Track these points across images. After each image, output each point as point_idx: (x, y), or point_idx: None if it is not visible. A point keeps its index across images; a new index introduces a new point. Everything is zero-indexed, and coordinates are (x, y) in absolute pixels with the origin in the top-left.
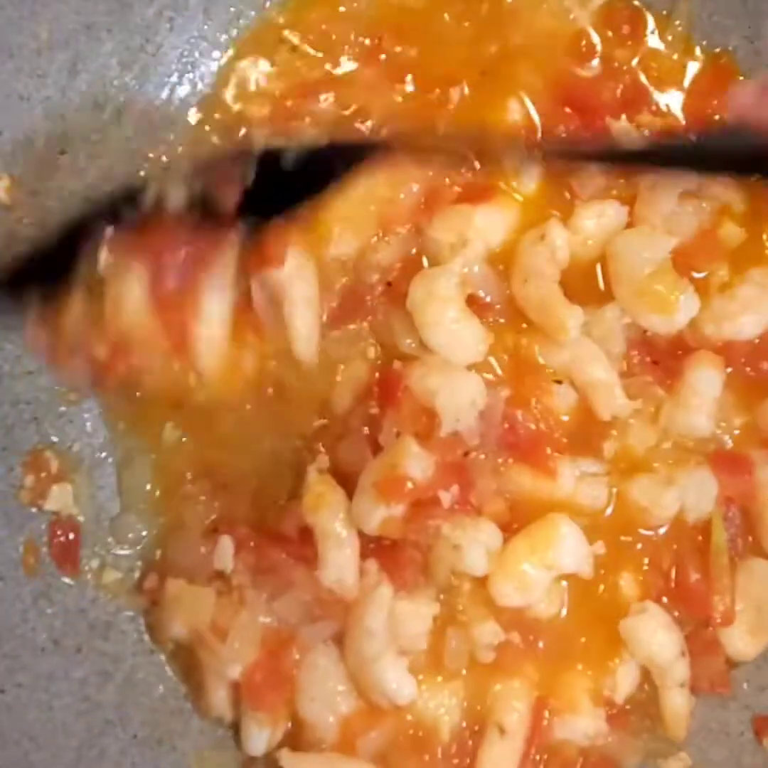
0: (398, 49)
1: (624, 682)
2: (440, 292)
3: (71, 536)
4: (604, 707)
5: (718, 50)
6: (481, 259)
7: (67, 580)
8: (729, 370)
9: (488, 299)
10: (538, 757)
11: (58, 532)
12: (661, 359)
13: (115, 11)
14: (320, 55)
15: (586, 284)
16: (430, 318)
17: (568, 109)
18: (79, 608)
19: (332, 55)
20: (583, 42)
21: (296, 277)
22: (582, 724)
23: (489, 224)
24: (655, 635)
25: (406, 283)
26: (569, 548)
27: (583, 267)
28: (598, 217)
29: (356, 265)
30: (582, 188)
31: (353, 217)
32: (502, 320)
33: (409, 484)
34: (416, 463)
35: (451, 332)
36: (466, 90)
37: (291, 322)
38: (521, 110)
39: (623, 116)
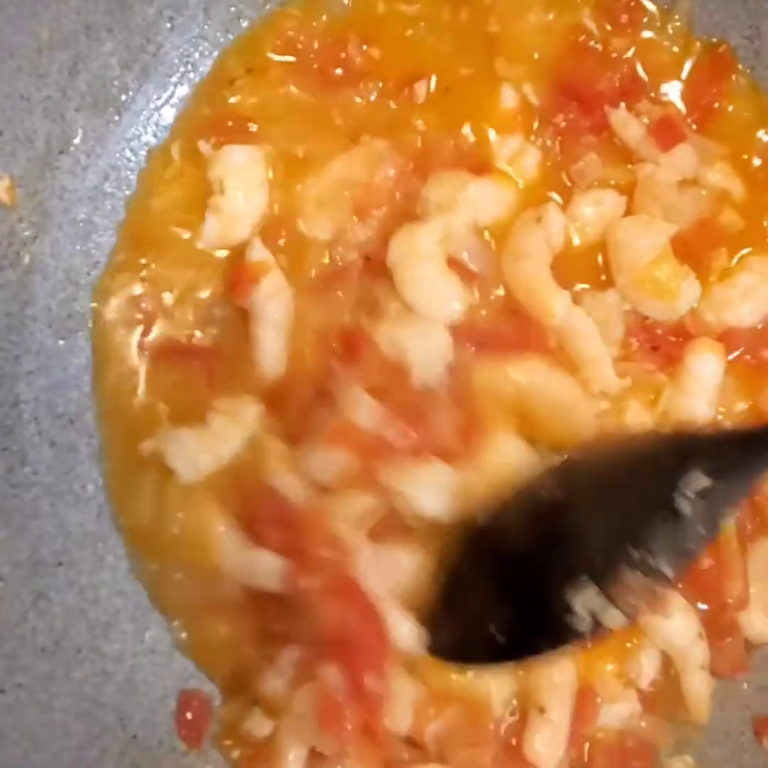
0: (364, 47)
1: (647, 667)
2: (420, 248)
3: (200, 712)
4: (633, 689)
5: (719, 38)
6: (470, 229)
7: (66, 580)
8: (730, 357)
9: (476, 269)
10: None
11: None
12: (661, 345)
13: (115, 11)
14: (291, 59)
15: (587, 271)
16: (408, 273)
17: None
18: (79, 608)
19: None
20: (582, 33)
21: (271, 298)
22: (617, 709)
23: (482, 197)
24: (673, 619)
25: (385, 256)
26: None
27: (583, 254)
28: (595, 205)
29: (332, 249)
30: (580, 176)
31: (328, 201)
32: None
33: (357, 431)
34: (362, 410)
35: (430, 288)
36: (434, 83)
37: (258, 341)
38: (516, 96)
39: (622, 104)
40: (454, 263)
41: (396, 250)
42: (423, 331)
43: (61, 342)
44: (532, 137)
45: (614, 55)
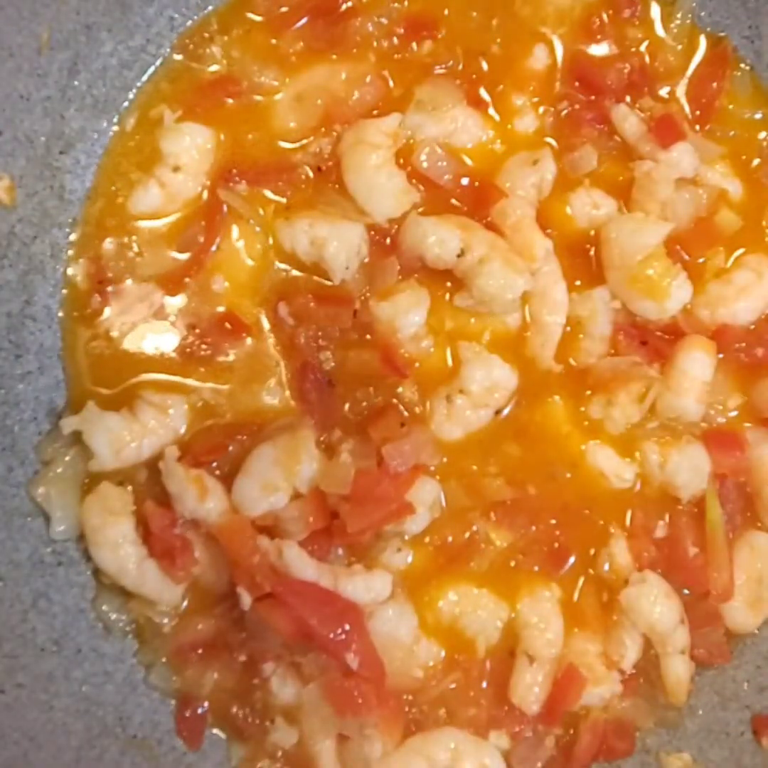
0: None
1: (630, 650)
2: (368, 138)
3: (199, 711)
4: (616, 671)
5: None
6: (442, 144)
7: (67, 580)
8: (721, 356)
9: (434, 178)
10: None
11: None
12: (649, 340)
13: (115, 11)
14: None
15: (583, 266)
16: (353, 160)
17: (576, 84)
18: (79, 608)
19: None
20: (596, 20)
21: None
22: (599, 690)
23: (465, 124)
24: (656, 604)
25: (337, 172)
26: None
27: (576, 249)
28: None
29: (291, 151)
30: (573, 167)
31: (302, 100)
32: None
33: None
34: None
35: (372, 180)
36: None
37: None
38: (547, 60)
39: (627, 98)
40: (425, 182)
41: (346, 141)
42: (341, 227)
43: (60, 342)
44: (541, 109)
45: (627, 43)
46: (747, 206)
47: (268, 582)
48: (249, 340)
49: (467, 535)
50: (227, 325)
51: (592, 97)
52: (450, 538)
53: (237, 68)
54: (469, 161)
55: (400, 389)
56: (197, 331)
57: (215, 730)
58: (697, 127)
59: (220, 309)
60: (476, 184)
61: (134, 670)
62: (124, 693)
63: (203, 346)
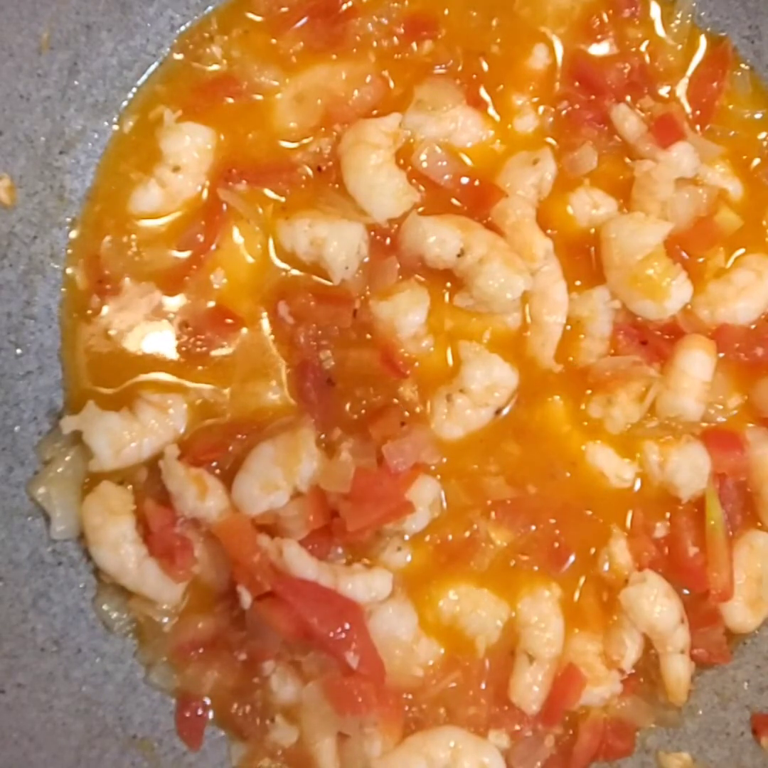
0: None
1: (630, 649)
2: (368, 138)
3: (199, 711)
4: (616, 671)
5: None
6: (442, 143)
7: (67, 580)
8: (721, 355)
9: (433, 177)
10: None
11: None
12: (649, 340)
13: (115, 11)
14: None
15: (583, 266)
16: (353, 162)
17: (576, 84)
18: (79, 608)
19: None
20: (596, 20)
21: None
22: (599, 690)
23: (465, 124)
24: (656, 604)
25: (337, 172)
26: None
27: (576, 249)
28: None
29: (291, 150)
30: (573, 167)
31: (303, 100)
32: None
33: None
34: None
35: (372, 180)
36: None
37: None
38: (547, 60)
39: (627, 98)
40: (425, 181)
41: (348, 139)
42: (341, 227)
43: (60, 342)
44: (541, 109)
45: (627, 43)
46: (747, 206)
47: (268, 581)
48: (244, 331)
49: (467, 534)
50: (219, 316)
51: (592, 97)
52: (450, 537)
53: (237, 68)
54: (469, 161)
55: (400, 389)
56: (190, 328)
57: (215, 730)
58: (697, 127)
59: (211, 304)
60: (476, 183)
61: (134, 670)
62: (124, 693)
63: (198, 343)
